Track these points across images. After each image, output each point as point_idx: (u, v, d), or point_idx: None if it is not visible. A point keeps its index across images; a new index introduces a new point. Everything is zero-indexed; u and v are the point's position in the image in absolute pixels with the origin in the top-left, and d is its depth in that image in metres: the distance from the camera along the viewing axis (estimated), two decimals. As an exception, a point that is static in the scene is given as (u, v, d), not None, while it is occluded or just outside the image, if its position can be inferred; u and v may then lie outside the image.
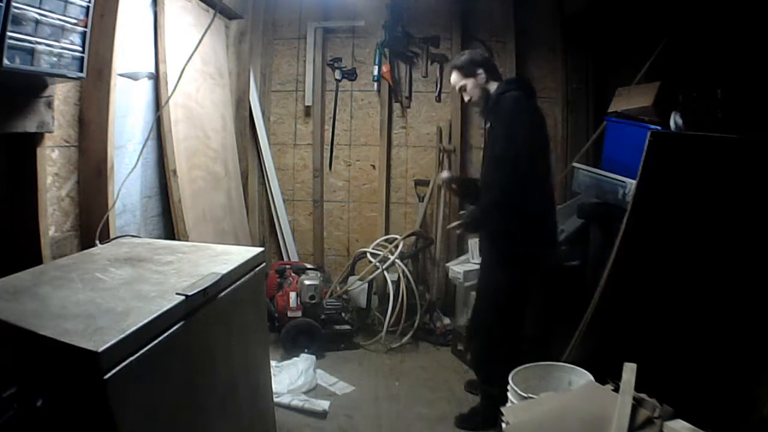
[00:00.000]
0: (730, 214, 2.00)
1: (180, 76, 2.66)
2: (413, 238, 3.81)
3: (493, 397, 2.36)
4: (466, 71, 2.54)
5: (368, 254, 3.66)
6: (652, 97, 2.77)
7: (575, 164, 2.93)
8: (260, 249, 1.87)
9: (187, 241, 2.53)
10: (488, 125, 2.57)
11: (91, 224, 2.09)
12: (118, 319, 1.18)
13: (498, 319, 2.44)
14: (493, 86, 2.52)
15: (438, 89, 3.89)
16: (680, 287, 2.04)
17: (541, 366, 2.17)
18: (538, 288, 2.56)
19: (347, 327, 3.39)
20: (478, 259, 3.32)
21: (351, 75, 3.94)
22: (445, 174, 2.86)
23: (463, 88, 2.58)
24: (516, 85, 2.52)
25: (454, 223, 2.57)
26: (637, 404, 1.60)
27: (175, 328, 1.29)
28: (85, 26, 1.60)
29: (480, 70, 2.52)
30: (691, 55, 2.84)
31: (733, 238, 2.00)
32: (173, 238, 2.63)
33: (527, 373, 2.12)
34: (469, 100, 2.60)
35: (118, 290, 1.37)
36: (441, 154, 2.93)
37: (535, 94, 2.57)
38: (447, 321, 3.64)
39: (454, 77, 2.59)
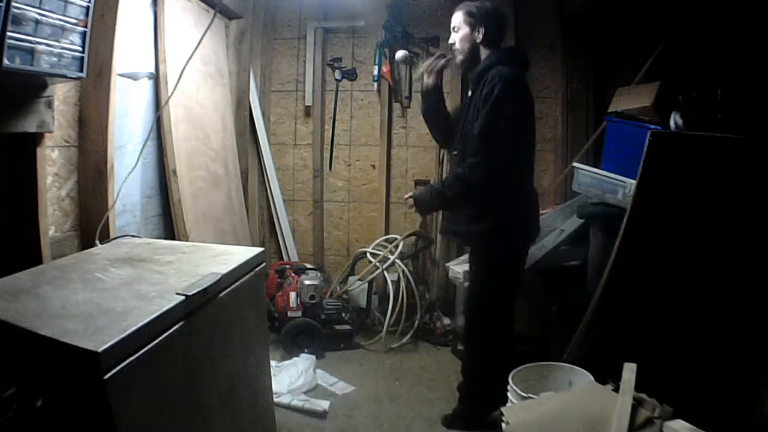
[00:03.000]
0: (730, 214, 2.00)
1: (180, 76, 2.66)
2: (413, 238, 3.81)
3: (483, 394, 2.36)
4: (471, 20, 2.34)
5: (368, 254, 3.66)
6: (652, 97, 2.77)
7: (575, 164, 2.92)
8: (260, 249, 1.87)
9: (187, 241, 2.53)
10: (470, 93, 2.42)
11: (91, 224, 2.09)
12: (118, 319, 1.18)
13: (491, 319, 2.39)
14: (484, 51, 2.35)
15: (438, 89, 3.89)
16: (680, 287, 2.04)
17: (541, 366, 2.16)
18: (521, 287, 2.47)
19: (347, 327, 3.39)
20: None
21: (351, 75, 3.94)
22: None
23: (455, 29, 2.39)
24: (511, 59, 2.34)
25: (408, 194, 2.50)
26: (637, 404, 1.60)
27: (175, 328, 1.29)
28: (85, 26, 1.60)
29: (482, 29, 2.32)
30: (691, 55, 2.84)
31: (733, 238, 2.00)
32: (173, 238, 2.63)
33: (527, 373, 2.12)
34: (451, 45, 2.42)
35: (118, 290, 1.37)
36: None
37: (529, 67, 2.45)
38: (447, 321, 3.63)
39: (459, 19, 2.37)
